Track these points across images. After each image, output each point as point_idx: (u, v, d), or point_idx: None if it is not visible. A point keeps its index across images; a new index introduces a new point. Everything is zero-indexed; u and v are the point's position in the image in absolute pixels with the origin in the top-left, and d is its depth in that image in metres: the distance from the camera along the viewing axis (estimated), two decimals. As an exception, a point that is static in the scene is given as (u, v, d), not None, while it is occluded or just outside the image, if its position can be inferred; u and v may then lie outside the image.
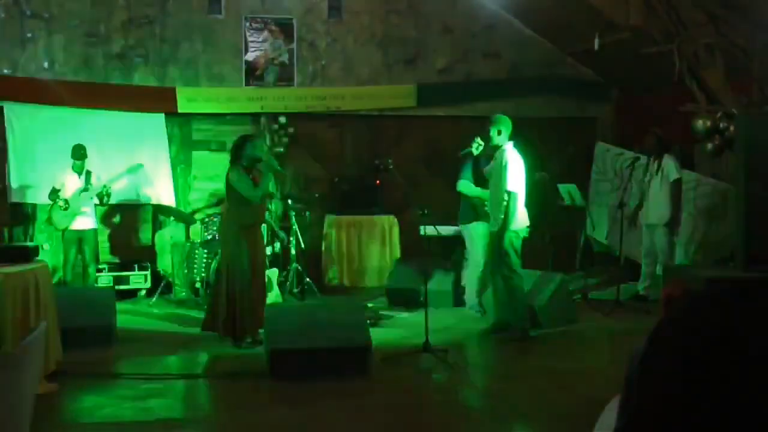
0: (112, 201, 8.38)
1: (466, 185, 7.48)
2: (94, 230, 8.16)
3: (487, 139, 6.78)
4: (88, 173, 8.06)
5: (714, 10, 7.02)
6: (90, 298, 6.76)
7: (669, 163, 7.83)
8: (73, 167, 8.00)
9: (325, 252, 9.12)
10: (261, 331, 6.24)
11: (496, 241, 6.63)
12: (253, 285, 6.41)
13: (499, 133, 6.64)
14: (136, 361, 6.08)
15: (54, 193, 7.89)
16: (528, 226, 6.71)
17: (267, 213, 7.63)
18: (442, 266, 8.12)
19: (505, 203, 6.50)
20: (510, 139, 6.68)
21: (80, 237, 7.97)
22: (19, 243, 8.30)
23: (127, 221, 9.23)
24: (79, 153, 7.99)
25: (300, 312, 6.20)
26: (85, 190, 7.95)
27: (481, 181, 7.31)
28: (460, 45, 9.74)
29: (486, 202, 7.09)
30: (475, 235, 7.48)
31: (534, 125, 9.49)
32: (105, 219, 9.02)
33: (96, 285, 8.10)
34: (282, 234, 8.33)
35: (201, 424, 4.90)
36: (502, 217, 6.53)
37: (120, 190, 8.56)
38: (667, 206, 7.80)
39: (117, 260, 8.91)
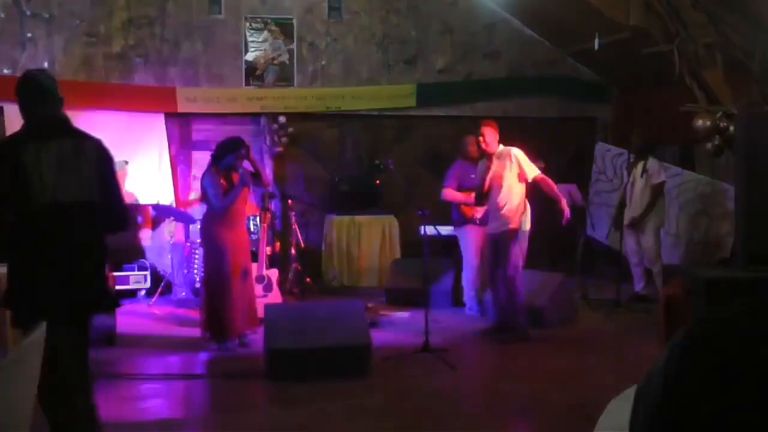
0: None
1: (449, 194, 7.53)
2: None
3: (480, 141, 6.81)
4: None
5: (714, 10, 7.02)
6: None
7: (654, 166, 7.82)
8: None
9: (325, 252, 9.11)
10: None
11: (506, 241, 6.60)
12: (234, 286, 6.26)
13: (494, 135, 6.69)
14: (136, 361, 6.08)
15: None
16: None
17: (266, 211, 7.61)
18: (441, 266, 8.11)
19: (517, 201, 6.55)
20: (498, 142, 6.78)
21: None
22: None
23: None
24: None
25: (300, 312, 6.19)
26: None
27: (467, 184, 7.33)
28: (460, 45, 9.73)
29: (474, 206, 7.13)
30: (468, 237, 7.50)
31: (534, 125, 9.50)
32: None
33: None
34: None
35: (201, 424, 4.90)
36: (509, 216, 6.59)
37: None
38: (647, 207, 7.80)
39: (117, 260, 8.89)
